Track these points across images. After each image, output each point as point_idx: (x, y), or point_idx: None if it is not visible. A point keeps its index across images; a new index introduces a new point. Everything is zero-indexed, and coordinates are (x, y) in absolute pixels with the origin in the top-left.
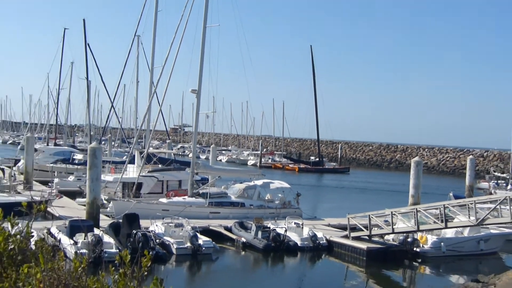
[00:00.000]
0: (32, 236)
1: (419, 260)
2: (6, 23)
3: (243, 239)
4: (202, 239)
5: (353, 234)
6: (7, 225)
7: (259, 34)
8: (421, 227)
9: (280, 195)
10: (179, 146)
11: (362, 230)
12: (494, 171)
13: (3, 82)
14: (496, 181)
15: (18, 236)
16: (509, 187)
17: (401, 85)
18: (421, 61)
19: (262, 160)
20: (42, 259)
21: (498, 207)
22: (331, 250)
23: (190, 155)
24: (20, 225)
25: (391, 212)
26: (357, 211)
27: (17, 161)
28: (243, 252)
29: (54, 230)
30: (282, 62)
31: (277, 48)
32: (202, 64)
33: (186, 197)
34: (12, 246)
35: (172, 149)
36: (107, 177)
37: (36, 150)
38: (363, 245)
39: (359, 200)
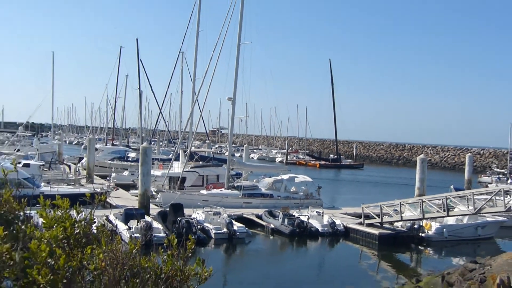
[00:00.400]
0: (94, 222)
1: (424, 244)
2: (71, 43)
3: (272, 226)
4: (237, 225)
5: (367, 221)
6: (73, 212)
7: (286, 47)
8: (426, 216)
9: (303, 187)
10: (217, 145)
11: (375, 218)
12: (496, 167)
13: (70, 92)
14: (498, 176)
15: (83, 222)
16: (509, 181)
17: (409, 92)
18: (427, 71)
19: (288, 157)
20: (104, 242)
21: (493, 198)
22: (347, 235)
23: (227, 153)
24: (83, 213)
25: (400, 202)
26: (370, 202)
27: (80, 159)
28: (271, 237)
29: (111, 217)
30: (305, 72)
31: (301, 60)
32: (236, 75)
33: (223, 189)
34: (77, 231)
35: (211, 148)
36: (156, 172)
37: (96, 149)
38: (375, 231)
39: (372, 192)
